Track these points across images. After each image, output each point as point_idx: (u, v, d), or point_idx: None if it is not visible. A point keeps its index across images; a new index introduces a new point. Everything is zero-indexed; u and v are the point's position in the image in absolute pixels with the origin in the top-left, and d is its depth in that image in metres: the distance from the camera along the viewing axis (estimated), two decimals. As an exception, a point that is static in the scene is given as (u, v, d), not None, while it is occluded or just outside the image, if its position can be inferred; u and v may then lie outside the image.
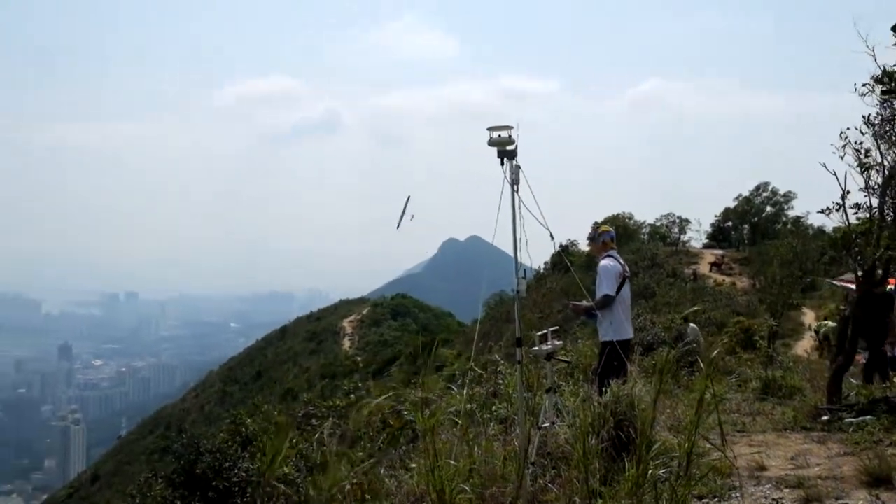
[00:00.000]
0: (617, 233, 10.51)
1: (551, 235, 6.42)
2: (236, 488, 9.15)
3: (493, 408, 9.12)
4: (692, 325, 21.21)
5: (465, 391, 7.82)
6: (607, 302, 8.90)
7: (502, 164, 6.47)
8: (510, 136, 6.40)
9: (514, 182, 6.39)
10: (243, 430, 11.20)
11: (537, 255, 6.39)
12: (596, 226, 9.76)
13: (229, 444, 10.35)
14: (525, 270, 6.50)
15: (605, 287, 8.97)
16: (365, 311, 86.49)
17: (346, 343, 77.23)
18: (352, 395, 14.91)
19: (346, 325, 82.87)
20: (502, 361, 12.23)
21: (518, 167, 6.42)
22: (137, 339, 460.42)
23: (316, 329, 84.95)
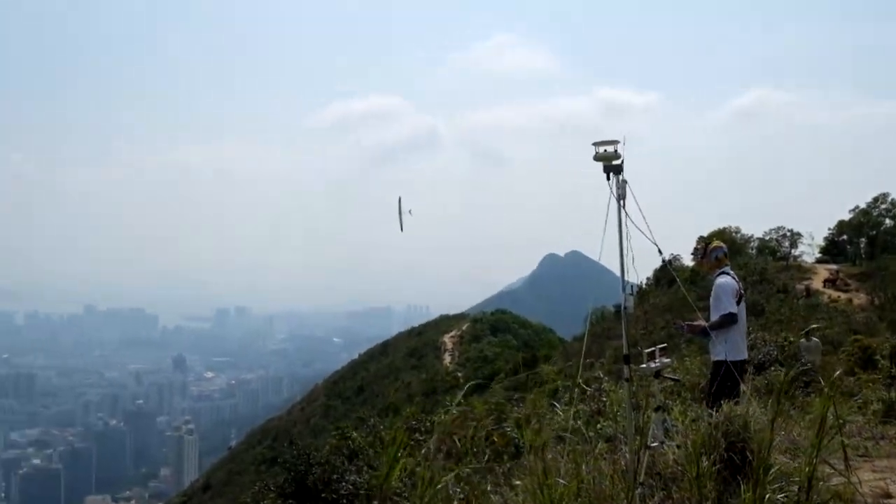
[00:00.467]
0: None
1: (659, 251, 6.31)
2: (344, 500, 9.38)
3: (599, 426, 8.99)
4: (814, 339, 20.40)
5: (571, 408, 7.74)
6: (729, 321, 8.62)
7: (608, 178, 6.41)
8: (616, 151, 6.34)
9: (621, 197, 6.33)
10: (349, 443, 11.47)
11: (640, 271, 6.26)
12: (704, 241, 9.52)
13: (336, 456, 10.60)
14: (632, 286, 6.42)
15: (725, 305, 8.68)
16: (465, 327, 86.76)
17: (447, 358, 77.59)
18: (454, 411, 14.96)
19: (447, 340, 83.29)
20: (606, 378, 12.05)
21: (625, 182, 6.35)
22: (247, 352, 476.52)
23: (417, 345, 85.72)
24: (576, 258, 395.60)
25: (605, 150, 6.37)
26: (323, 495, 9.52)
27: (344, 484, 9.41)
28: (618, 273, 6.40)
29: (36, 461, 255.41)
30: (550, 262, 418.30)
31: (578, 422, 8.43)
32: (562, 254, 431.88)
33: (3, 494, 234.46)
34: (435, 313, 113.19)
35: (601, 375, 12.70)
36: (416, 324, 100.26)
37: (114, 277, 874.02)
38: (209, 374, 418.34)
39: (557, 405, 10.10)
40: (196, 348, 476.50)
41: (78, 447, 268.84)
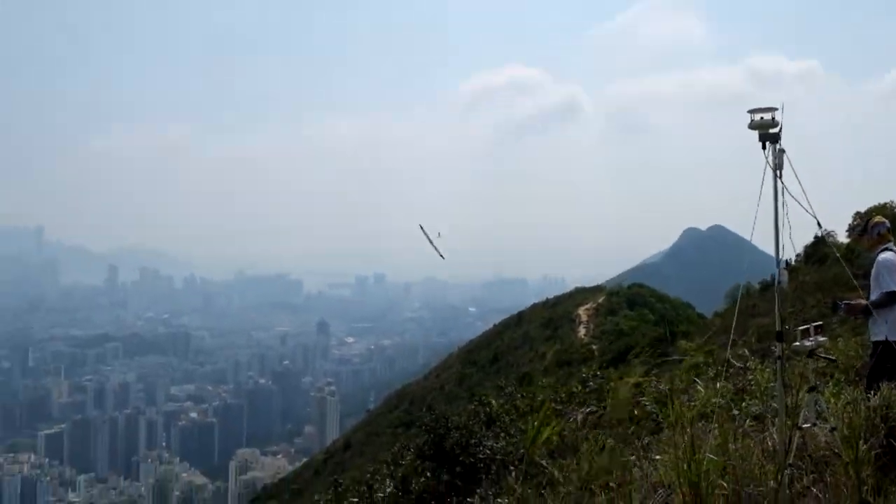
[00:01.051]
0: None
1: (818, 223, 6.00)
2: (481, 465, 9.58)
3: (744, 404, 8.71)
4: None
5: (717, 384, 7.54)
6: (891, 299, 8.08)
7: (764, 148, 6.11)
8: (773, 119, 6.03)
9: (778, 167, 6.03)
10: (487, 409, 11.64)
11: (790, 246, 5.93)
12: (864, 217, 8.94)
13: (474, 422, 10.81)
14: (786, 262, 6.14)
15: (888, 283, 8.15)
16: (601, 300, 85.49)
17: (581, 331, 76.81)
18: (590, 384, 14.89)
19: (582, 312, 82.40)
20: (751, 357, 11.63)
21: (782, 151, 6.04)
22: (385, 318, 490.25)
23: (552, 316, 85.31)
24: (718, 232, 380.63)
25: (762, 118, 6.07)
26: (461, 458, 9.73)
27: (481, 448, 9.59)
28: (763, 249, 6.14)
29: (193, 415, 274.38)
30: (691, 236, 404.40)
31: (723, 399, 8.19)
32: (703, 227, 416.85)
33: (164, 443, 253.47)
34: (570, 285, 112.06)
35: (746, 353, 12.25)
36: (551, 295, 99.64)
37: (262, 246, 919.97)
38: (350, 339, 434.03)
39: (699, 381, 9.84)
40: (337, 314, 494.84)
41: (230, 403, 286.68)
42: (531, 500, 5.51)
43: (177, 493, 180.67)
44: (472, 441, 9.84)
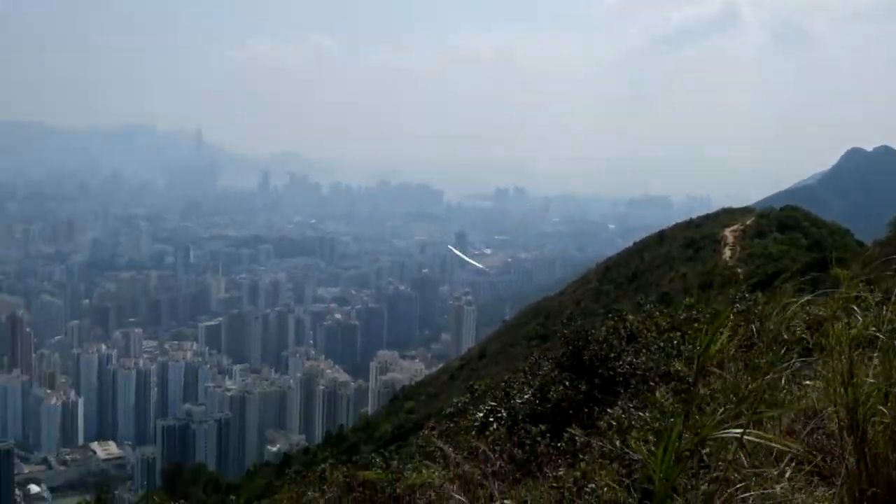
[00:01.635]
0: None
1: None
2: (620, 378, 9.61)
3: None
4: None
5: (873, 313, 7.11)
6: None
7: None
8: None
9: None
10: (627, 325, 11.57)
11: None
12: None
13: (613, 336, 10.80)
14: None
15: None
16: (749, 222, 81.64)
17: (726, 253, 74.00)
18: (736, 305, 14.43)
19: (728, 234, 79.15)
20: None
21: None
22: (523, 232, 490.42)
23: (695, 236, 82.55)
24: (885, 154, 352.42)
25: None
26: (599, 371, 9.78)
27: (621, 363, 9.59)
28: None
29: (337, 316, 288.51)
30: (854, 158, 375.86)
31: (882, 328, 7.75)
32: (869, 148, 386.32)
33: (311, 341, 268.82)
34: (717, 206, 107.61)
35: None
36: (695, 215, 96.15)
37: (406, 156, 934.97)
38: (487, 251, 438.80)
39: (857, 310, 9.32)
40: (477, 225, 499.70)
41: (372, 307, 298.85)
42: (678, 414, 5.49)
43: (322, 387, 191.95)
44: (612, 355, 9.84)
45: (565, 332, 10.84)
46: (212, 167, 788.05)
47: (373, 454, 12.72)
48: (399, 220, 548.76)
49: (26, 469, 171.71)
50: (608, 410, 7.58)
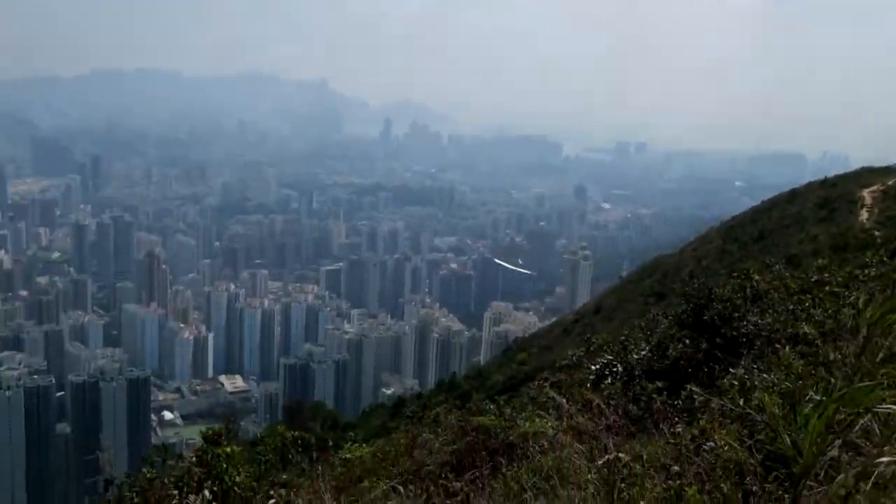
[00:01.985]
0: None
1: None
2: (744, 339, 9.30)
3: None
4: None
5: None
6: None
7: None
8: None
9: None
10: (752, 285, 11.16)
11: None
12: None
13: (738, 296, 10.44)
14: None
15: None
16: (890, 182, 76.48)
17: (863, 215, 69.61)
18: (873, 269, 13.66)
19: (866, 195, 74.31)
20: None
21: None
22: (643, 187, 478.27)
23: (829, 196, 77.99)
24: None
25: None
26: (721, 330, 9.50)
27: (745, 323, 9.28)
28: None
29: (453, 265, 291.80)
30: None
31: None
32: None
33: (427, 289, 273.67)
34: (855, 164, 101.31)
35: None
36: (831, 174, 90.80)
37: (526, 107, 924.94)
38: (606, 206, 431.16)
39: None
40: (596, 179, 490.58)
41: (487, 258, 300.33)
42: (805, 377, 5.30)
43: (435, 335, 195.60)
44: (736, 314, 9.53)
45: (687, 289, 10.56)
46: (335, 115, 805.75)
47: (485, 401, 12.93)
48: (517, 171, 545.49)
49: (161, 397, 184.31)
50: (730, 370, 7.39)
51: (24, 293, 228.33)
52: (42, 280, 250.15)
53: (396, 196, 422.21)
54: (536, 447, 7.51)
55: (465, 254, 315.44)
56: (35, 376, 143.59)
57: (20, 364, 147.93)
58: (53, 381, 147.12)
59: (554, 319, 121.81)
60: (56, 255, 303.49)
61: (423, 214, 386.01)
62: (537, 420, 8.78)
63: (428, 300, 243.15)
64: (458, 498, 6.40)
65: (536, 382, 12.25)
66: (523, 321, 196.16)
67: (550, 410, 9.10)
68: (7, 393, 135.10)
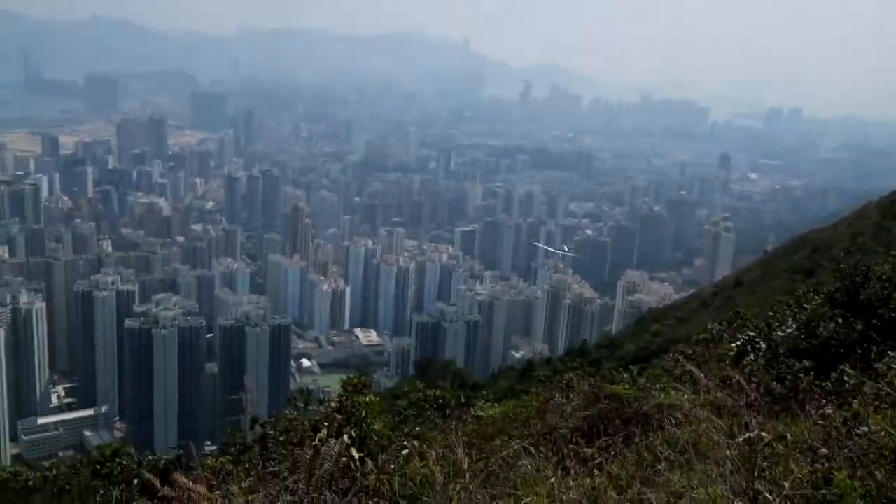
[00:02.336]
0: None
1: None
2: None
3: None
4: None
5: None
6: None
7: None
8: None
9: None
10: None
11: None
12: None
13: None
14: None
15: None
16: None
17: None
18: None
19: None
20: None
21: None
22: (795, 157, 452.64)
23: None
24: None
25: None
26: (879, 311, 8.95)
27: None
28: None
29: (588, 231, 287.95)
30: None
31: None
32: None
33: (561, 255, 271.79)
34: None
35: None
36: None
37: (672, 68, 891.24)
38: (753, 175, 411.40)
39: None
40: (743, 147, 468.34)
41: (623, 225, 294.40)
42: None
43: (567, 301, 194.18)
44: (896, 295, 8.94)
45: (841, 266, 9.98)
46: (477, 76, 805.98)
47: (618, 369, 12.80)
48: (659, 137, 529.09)
49: (301, 345, 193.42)
50: (888, 353, 6.96)
51: (180, 239, 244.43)
52: (197, 227, 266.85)
53: (534, 159, 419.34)
54: (672, 419, 7.39)
55: (600, 220, 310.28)
56: (188, 318, 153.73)
57: (175, 305, 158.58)
58: (204, 324, 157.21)
59: (692, 291, 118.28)
60: (210, 204, 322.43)
61: (560, 179, 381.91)
62: (673, 392, 8.63)
63: (561, 265, 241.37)
64: (591, 464, 6.41)
65: (672, 354, 11.98)
66: (658, 291, 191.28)
67: (686, 384, 8.93)
68: (163, 332, 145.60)
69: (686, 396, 8.21)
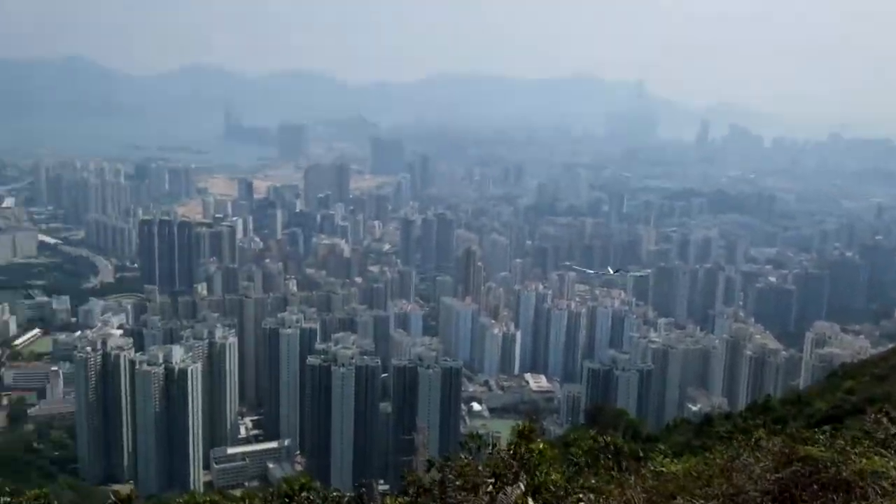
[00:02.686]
0: None
1: None
2: None
3: None
4: None
5: None
6: None
7: None
8: None
9: None
10: None
11: None
12: None
13: None
14: None
15: None
16: None
17: None
18: None
19: None
20: None
21: None
22: None
23: None
24: None
25: None
26: None
27: None
28: None
29: (771, 278, 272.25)
30: None
31: None
32: None
33: (741, 303, 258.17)
34: None
35: None
36: None
37: (862, 107, 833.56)
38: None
39: None
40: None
41: (811, 272, 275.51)
42: None
43: (748, 352, 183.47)
44: None
45: None
46: (651, 117, 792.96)
47: (810, 430, 11.98)
48: (850, 178, 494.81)
49: (471, 388, 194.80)
50: None
51: (358, 280, 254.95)
52: (374, 269, 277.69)
53: (711, 202, 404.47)
54: (877, 489, 6.84)
55: (785, 267, 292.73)
56: (364, 357, 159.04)
57: (353, 344, 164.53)
58: (379, 363, 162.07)
59: (891, 346, 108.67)
60: (386, 246, 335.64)
61: (739, 222, 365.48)
62: (876, 458, 7.97)
63: (741, 314, 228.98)
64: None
65: (872, 415, 11.06)
66: (852, 345, 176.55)
67: (892, 449, 8.25)
68: (342, 370, 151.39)
69: (893, 463, 7.58)
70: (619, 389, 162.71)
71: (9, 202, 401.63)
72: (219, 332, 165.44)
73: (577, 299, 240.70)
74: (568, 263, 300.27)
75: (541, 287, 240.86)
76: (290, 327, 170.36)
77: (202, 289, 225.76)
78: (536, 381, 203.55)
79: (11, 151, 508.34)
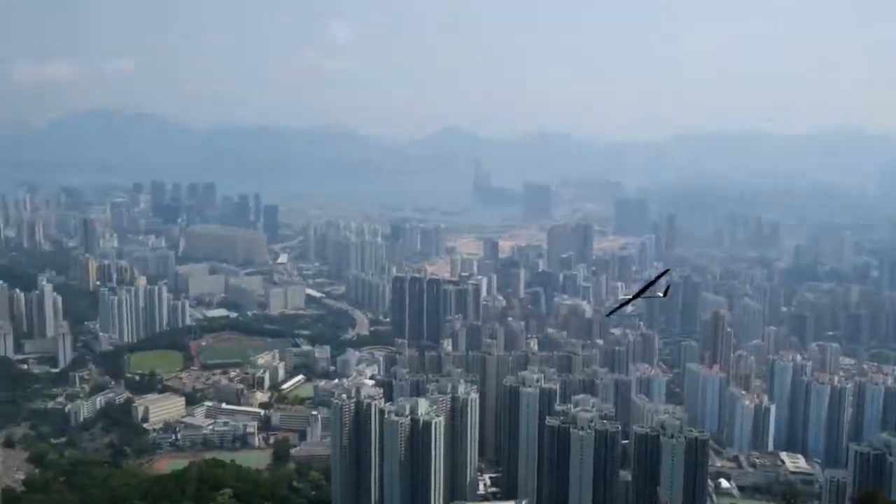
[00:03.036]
0: None
1: None
2: None
3: None
4: None
5: None
6: None
7: None
8: None
9: None
10: None
11: None
12: None
13: None
14: None
15: None
16: None
17: None
18: None
19: None
20: None
21: None
22: None
23: None
24: None
25: None
26: None
27: None
28: None
29: None
30: None
31: None
32: None
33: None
34: None
35: None
36: None
37: None
38: None
39: None
40: None
41: None
42: None
43: None
44: None
45: None
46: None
47: None
48: None
49: (718, 463, 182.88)
50: None
51: (600, 342, 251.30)
52: (616, 331, 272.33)
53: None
54: None
55: None
56: (604, 421, 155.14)
57: (593, 407, 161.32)
58: (619, 429, 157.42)
59: None
60: (629, 308, 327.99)
61: None
62: None
63: None
64: None
65: None
66: None
67: None
68: (581, 433, 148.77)
69: None
70: (893, 477, 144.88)
71: (283, 258, 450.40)
72: (461, 388, 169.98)
73: (842, 374, 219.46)
74: (831, 333, 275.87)
75: (799, 358, 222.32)
76: (530, 386, 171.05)
77: (447, 344, 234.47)
78: (793, 461, 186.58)
79: (286, 213, 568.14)
